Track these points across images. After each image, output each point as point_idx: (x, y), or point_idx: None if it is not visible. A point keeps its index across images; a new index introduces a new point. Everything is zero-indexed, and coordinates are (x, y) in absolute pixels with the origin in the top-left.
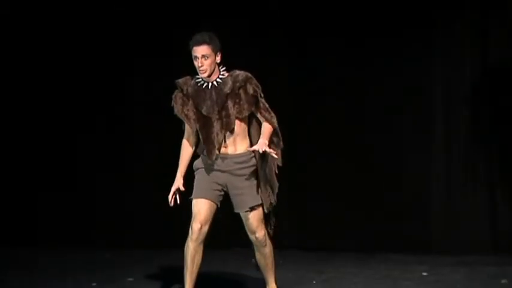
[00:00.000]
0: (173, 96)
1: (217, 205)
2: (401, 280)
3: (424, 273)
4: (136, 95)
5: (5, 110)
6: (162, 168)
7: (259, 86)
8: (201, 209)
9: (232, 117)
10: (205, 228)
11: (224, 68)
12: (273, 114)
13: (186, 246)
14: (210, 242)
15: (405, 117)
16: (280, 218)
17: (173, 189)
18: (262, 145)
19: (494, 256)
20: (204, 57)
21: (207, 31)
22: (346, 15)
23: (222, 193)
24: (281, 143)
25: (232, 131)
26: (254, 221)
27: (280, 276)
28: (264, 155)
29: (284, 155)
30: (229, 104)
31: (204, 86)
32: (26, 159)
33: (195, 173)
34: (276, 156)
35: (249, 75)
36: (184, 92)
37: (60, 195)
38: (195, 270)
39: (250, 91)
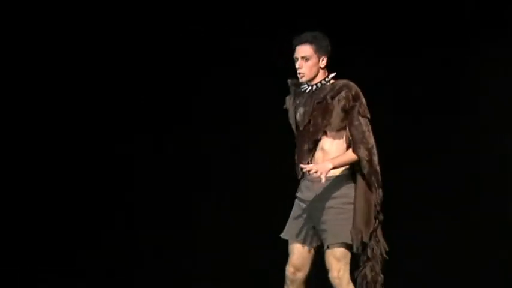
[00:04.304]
0: (286, 98)
1: (312, 248)
2: None
3: None
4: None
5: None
6: None
7: (360, 99)
8: (294, 251)
9: (320, 129)
10: (301, 274)
11: (331, 76)
12: (368, 141)
13: None
14: None
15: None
16: None
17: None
18: (319, 167)
19: None
20: (304, 59)
21: (315, 31)
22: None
23: (315, 231)
24: (379, 190)
25: (319, 147)
26: (331, 258)
27: None
28: (363, 183)
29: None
30: (318, 113)
31: (303, 90)
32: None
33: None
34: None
35: (350, 84)
36: (292, 94)
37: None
38: None
39: (342, 102)
